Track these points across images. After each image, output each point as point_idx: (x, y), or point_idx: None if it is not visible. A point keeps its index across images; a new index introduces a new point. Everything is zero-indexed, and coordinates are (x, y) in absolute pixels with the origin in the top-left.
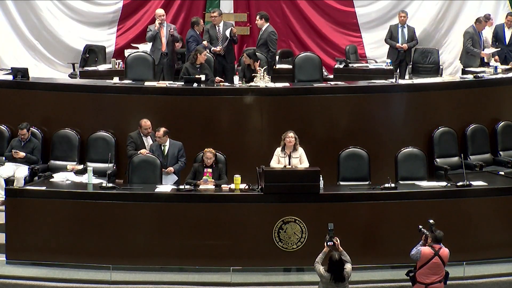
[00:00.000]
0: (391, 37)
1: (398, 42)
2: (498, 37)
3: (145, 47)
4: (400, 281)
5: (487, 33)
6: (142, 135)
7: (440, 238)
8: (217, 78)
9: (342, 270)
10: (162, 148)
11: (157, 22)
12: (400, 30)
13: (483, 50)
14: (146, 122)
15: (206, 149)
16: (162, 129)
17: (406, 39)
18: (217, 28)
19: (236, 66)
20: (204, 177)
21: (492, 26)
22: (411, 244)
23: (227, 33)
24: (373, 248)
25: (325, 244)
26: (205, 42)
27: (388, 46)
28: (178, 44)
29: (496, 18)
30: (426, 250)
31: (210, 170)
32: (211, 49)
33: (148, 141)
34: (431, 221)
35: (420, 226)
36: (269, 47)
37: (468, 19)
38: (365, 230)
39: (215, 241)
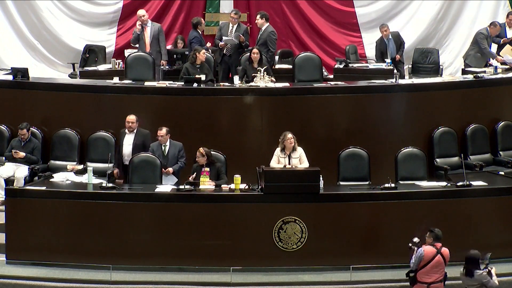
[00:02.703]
0: (381, 53)
1: (387, 55)
2: (500, 36)
3: None
4: (400, 281)
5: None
6: (126, 131)
7: (440, 236)
8: (221, 44)
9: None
10: (163, 148)
11: (137, 23)
12: (387, 42)
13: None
14: (129, 117)
15: None
16: (165, 128)
17: (396, 49)
18: (230, 27)
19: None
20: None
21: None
22: None
23: (234, 37)
24: (373, 248)
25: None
26: (208, 44)
27: None
28: (180, 43)
29: (496, 18)
30: (428, 248)
31: (207, 169)
32: (219, 44)
33: (126, 139)
34: (416, 239)
35: (410, 244)
36: (268, 47)
37: (468, 19)
38: (365, 230)
39: (215, 241)
